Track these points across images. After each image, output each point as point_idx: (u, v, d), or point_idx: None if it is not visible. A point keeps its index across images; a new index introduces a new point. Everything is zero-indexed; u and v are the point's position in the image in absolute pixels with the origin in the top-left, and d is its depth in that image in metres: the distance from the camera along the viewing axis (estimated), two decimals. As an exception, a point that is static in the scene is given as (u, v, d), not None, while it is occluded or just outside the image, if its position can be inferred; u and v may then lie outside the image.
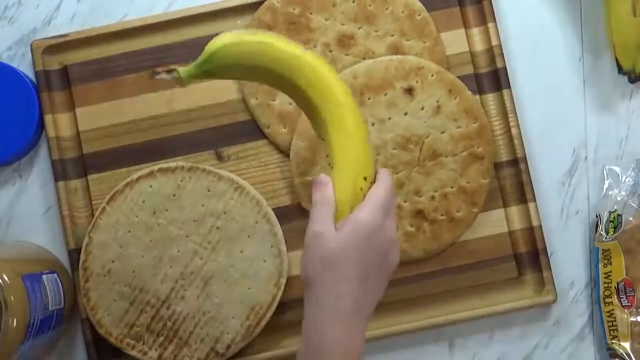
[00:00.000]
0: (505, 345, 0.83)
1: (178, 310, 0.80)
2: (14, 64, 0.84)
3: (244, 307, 0.80)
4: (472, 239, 0.82)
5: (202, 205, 0.80)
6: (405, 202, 0.80)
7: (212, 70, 0.66)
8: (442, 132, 0.80)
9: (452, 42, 0.83)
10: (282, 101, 0.82)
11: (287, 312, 0.82)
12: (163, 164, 0.81)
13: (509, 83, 0.82)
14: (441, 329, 0.82)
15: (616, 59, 0.81)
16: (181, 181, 0.80)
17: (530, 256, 0.82)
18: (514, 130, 0.82)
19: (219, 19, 0.83)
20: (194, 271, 0.80)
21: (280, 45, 0.66)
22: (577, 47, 0.84)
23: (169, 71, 0.66)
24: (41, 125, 0.83)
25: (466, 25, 0.84)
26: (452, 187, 0.80)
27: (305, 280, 0.64)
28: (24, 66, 0.85)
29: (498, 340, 0.83)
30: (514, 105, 0.82)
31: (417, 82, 0.80)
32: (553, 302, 0.81)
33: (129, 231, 0.80)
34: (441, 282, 0.82)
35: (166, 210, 0.80)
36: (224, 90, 0.83)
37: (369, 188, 0.65)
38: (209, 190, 0.80)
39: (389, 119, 0.80)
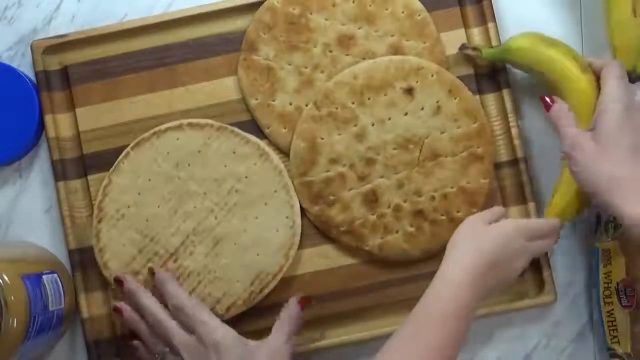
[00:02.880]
0: (505, 345, 0.83)
1: (184, 265, 0.80)
2: (14, 64, 0.84)
3: (250, 272, 0.80)
4: (472, 239, 0.82)
5: (225, 166, 0.80)
6: (405, 202, 0.80)
7: (505, 60, 0.80)
8: (442, 133, 0.80)
9: (452, 42, 0.83)
10: (283, 101, 0.82)
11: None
12: (193, 119, 0.81)
13: (509, 83, 0.82)
14: (441, 329, 0.82)
15: (616, 60, 0.81)
16: (208, 139, 0.80)
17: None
18: (513, 130, 0.82)
19: (219, 19, 0.83)
20: (206, 229, 0.80)
21: (567, 64, 0.76)
22: (577, 48, 0.84)
23: (474, 49, 0.81)
24: (41, 125, 0.83)
25: (466, 25, 0.84)
26: (452, 188, 0.80)
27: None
28: (24, 66, 0.85)
29: (498, 340, 0.83)
30: (514, 105, 0.82)
31: (417, 82, 0.80)
32: (553, 302, 0.81)
33: (149, 179, 0.80)
34: (441, 282, 0.82)
35: (189, 164, 0.80)
36: (224, 90, 0.83)
37: None
38: (234, 152, 0.80)
39: (389, 119, 0.80)
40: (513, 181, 0.82)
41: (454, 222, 0.80)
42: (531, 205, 0.81)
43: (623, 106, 0.72)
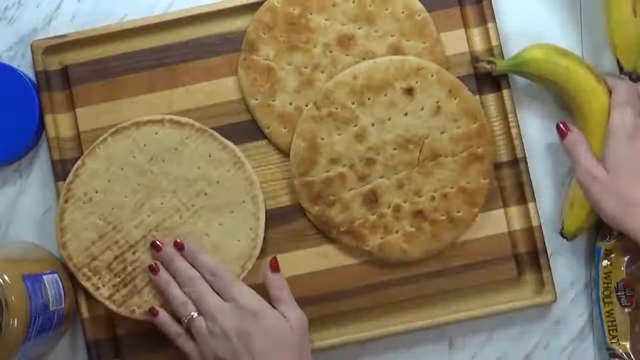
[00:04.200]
0: (505, 345, 0.83)
1: (142, 259, 0.80)
2: (14, 64, 0.84)
3: None
4: (472, 239, 0.82)
5: (199, 168, 0.81)
6: (405, 202, 0.80)
7: (520, 72, 0.80)
8: (442, 133, 0.80)
9: (452, 42, 0.83)
10: (283, 102, 0.82)
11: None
12: (175, 116, 0.81)
13: (509, 83, 0.82)
14: (441, 329, 0.82)
15: (617, 60, 0.81)
16: (187, 138, 0.81)
17: (530, 256, 0.82)
18: (513, 131, 0.82)
19: (219, 19, 0.83)
20: (170, 227, 0.80)
21: (582, 74, 0.78)
22: (577, 47, 0.84)
23: (489, 62, 0.81)
24: (41, 125, 0.83)
25: (466, 25, 0.84)
26: (452, 188, 0.80)
27: None
28: (24, 66, 0.85)
29: (498, 340, 0.83)
30: (514, 105, 0.82)
31: (417, 82, 0.80)
32: (553, 302, 0.81)
33: (122, 168, 0.81)
34: (441, 282, 0.82)
35: (163, 160, 0.81)
36: (224, 90, 0.83)
37: None
38: (210, 156, 0.81)
39: (389, 119, 0.80)
40: (513, 181, 0.82)
41: (454, 223, 0.80)
42: (531, 205, 0.81)
43: (628, 134, 0.75)
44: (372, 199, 0.80)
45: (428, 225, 0.81)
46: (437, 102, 0.80)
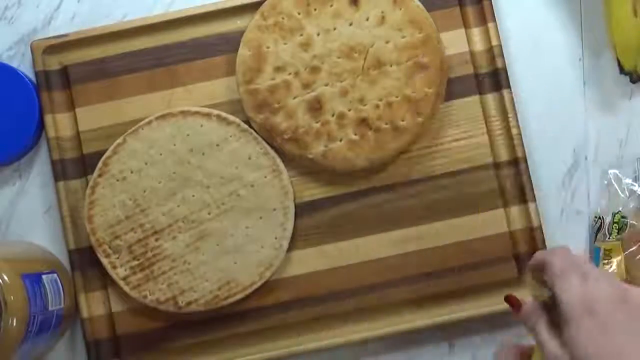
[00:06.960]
0: (505, 346, 0.83)
1: (164, 247, 0.80)
2: (14, 64, 0.84)
3: (222, 277, 0.80)
4: (472, 238, 0.82)
5: (236, 168, 0.81)
6: (349, 110, 0.80)
7: None
8: (387, 42, 0.80)
9: (452, 42, 0.83)
10: (282, 101, 0.82)
11: (290, 312, 0.82)
12: (223, 112, 0.81)
13: (509, 83, 0.82)
14: (441, 329, 0.82)
15: (618, 60, 0.81)
16: (230, 136, 0.81)
17: (530, 256, 0.81)
18: (514, 130, 0.82)
19: (219, 19, 0.83)
20: (196, 221, 0.80)
21: None
22: (577, 47, 0.84)
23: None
24: (41, 125, 0.83)
25: (466, 25, 0.84)
26: (396, 97, 0.80)
27: None
28: (24, 66, 0.85)
29: (498, 340, 0.83)
30: (514, 106, 0.82)
31: None
32: (553, 302, 0.81)
33: (161, 154, 0.81)
34: (441, 282, 0.82)
35: (203, 154, 0.81)
36: (224, 90, 0.83)
37: None
38: (249, 158, 0.81)
39: (334, 29, 0.80)
40: (513, 181, 0.82)
41: (398, 131, 0.80)
42: (531, 205, 0.81)
43: (583, 310, 0.59)
44: (316, 107, 0.80)
45: (372, 134, 0.80)
46: (382, 12, 0.80)
